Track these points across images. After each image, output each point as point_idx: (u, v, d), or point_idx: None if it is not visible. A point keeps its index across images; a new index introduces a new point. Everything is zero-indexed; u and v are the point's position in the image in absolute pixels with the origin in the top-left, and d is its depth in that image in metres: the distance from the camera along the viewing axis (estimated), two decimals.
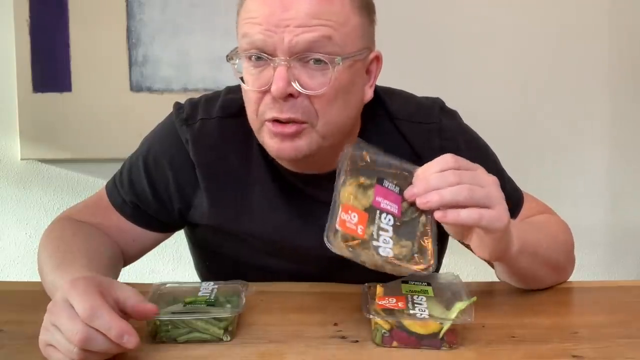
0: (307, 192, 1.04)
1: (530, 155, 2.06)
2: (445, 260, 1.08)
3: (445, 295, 0.88)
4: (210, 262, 1.19)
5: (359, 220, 0.79)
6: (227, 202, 1.06)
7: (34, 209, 2.04)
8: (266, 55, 0.91)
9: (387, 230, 0.80)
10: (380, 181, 0.85)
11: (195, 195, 1.06)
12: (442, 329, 0.81)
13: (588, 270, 2.10)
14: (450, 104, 1.13)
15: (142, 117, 1.85)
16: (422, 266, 0.78)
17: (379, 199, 0.82)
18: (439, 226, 0.84)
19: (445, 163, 0.83)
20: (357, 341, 0.83)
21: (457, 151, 1.04)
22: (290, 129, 0.93)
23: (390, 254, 0.77)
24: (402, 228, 0.81)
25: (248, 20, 0.92)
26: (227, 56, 0.96)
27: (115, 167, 1.13)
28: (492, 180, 0.84)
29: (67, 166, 2.02)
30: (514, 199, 1.12)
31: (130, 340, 0.75)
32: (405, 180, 0.85)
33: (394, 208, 0.82)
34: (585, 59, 2.06)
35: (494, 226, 0.82)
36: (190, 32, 1.96)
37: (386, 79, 1.10)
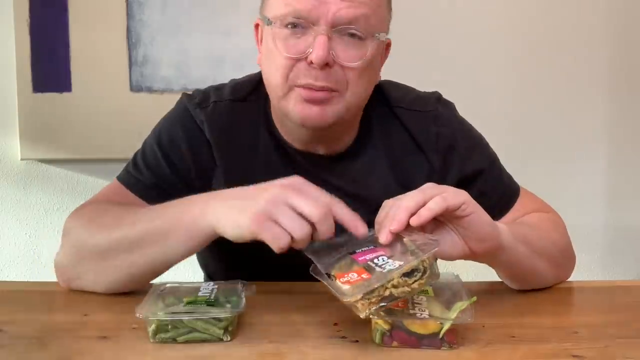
0: (315, 173, 1.05)
1: (529, 155, 2.06)
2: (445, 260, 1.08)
3: (445, 295, 0.88)
4: (215, 247, 1.18)
5: (358, 274, 0.80)
6: (238, 182, 1.06)
7: (34, 209, 2.04)
8: (308, 23, 0.93)
9: (388, 262, 0.81)
10: (352, 253, 0.85)
11: (213, 174, 1.08)
12: (442, 329, 0.81)
13: (587, 270, 2.10)
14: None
15: (142, 117, 1.85)
16: (432, 250, 0.79)
17: (362, 258, 0.83)
18: None
19: (387, 203, 0.87)
20: (357, 341, 0.84)
21: (452, 138, 1.08)
22: (322, 94, 0.96)
23: (402, 262, 0.78)
24: (398, 254, 0.82)
25: None
26: (266, 20, 0.97)
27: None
28: (428, 184, 0.89)
29: (67, 166, 2.02)
30: (510, 190, 1.13)
31: (362, 227, 0.84)
32: (372, 241, 0.86)
33: (380, 253, 0.83)
34: (585, 59, 2.06)
35: (459, 199, 0.85)
36: (190, 32, 1.96)
37: (387, 78, 1.11)
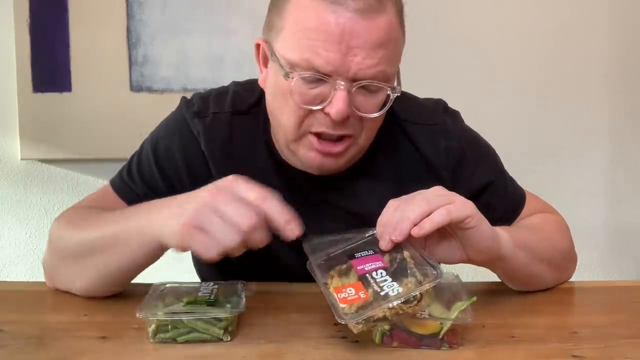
0: (316, 194, 1.05)
1: (529, 155, 2.06)
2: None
3: (445, 295, 0.87)
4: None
5: (356, 290, 0.80)
6: None
7: (34, 209, 2.04)
8: (327, 77, 0.90)
9: (386, 280, 0.81)
10: (351, 257, 0.86)
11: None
12: (442, 329, 0.81)
13: (588, 270, 2.10)
14: (451, 103, 1.13)
15: (142, 117, 1.86)
16: (434, 278, 0.79)
17: (360, 267, 0.83)
18: None
19: (392, 205, 0.86)
20: (357, 341, 0.83)
21: (461, 152, 1.06)
22: (338, 148, 0.95)
23: (401, 290, 0.78)
24: (397, 272, 0.82)
25: (309, 38, 0.89)
26: (285, 73, 0.91)
27: (115, 167, 1.13)
28: (436, 188, 0.88)
29: (67, 166, 2.02)
30: (517, 198, 1.12)
31: (296, 229, 0.80)
32: (373, 243, 0.87)
33: (379, 264, 0.83)
34: (585, 59, 2.06)
35: (464, 212, 0.84)
36: (190, 32, 1.96)
37: None
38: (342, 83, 0.89)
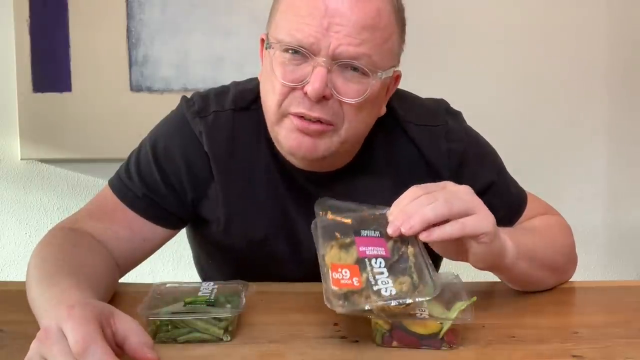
0: (311, 190, 1.05)
1: (529, 155, 2.06)
2: (445, 260, 1.08)
3: (445, 295, 0.87)
4: (213, 260, 1.19)
5: (351, 274, 0.79)
6: (236, 196, 1.06)
7: (34, 209, 2.04)
8: (309, 52, 0.91)
9: (382, 273, 0.80)
10: (357, 233, 0.85)
11: (209, 186, 1.06)
12: (442, 329, 0.81)
13: (588, 270, 2.10)
14: (452, 104, 1.13)
15: (142, 117, 1.85)
16: (428, 297, 0.78)
17: (362, 248, 0.82)
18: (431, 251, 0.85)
19: (415, 192, 0.84)
20: (357, 341, 0.83)
21: (463, 153, 1.06)
22: (316, 127, 0.94)
23: (393, 292, 0.77)
24: (395, 267, 0.81)
25: (295, 15, 0.92)
26: (266, 43, 0.95)
27: (115, 167, 1.12)
28: (464, 189, 0.86)
29: (67, 166, 2.02)
30: (518, 200, 1.12)
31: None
32: (381, 223, 0.85)
33: (380, 251, 0.82)
34: (585, 59, 2.06)
35: (480, 230, 0.83)
36: (190, 32, 1.96)
37: None
38: (323, 59, 0.90)
